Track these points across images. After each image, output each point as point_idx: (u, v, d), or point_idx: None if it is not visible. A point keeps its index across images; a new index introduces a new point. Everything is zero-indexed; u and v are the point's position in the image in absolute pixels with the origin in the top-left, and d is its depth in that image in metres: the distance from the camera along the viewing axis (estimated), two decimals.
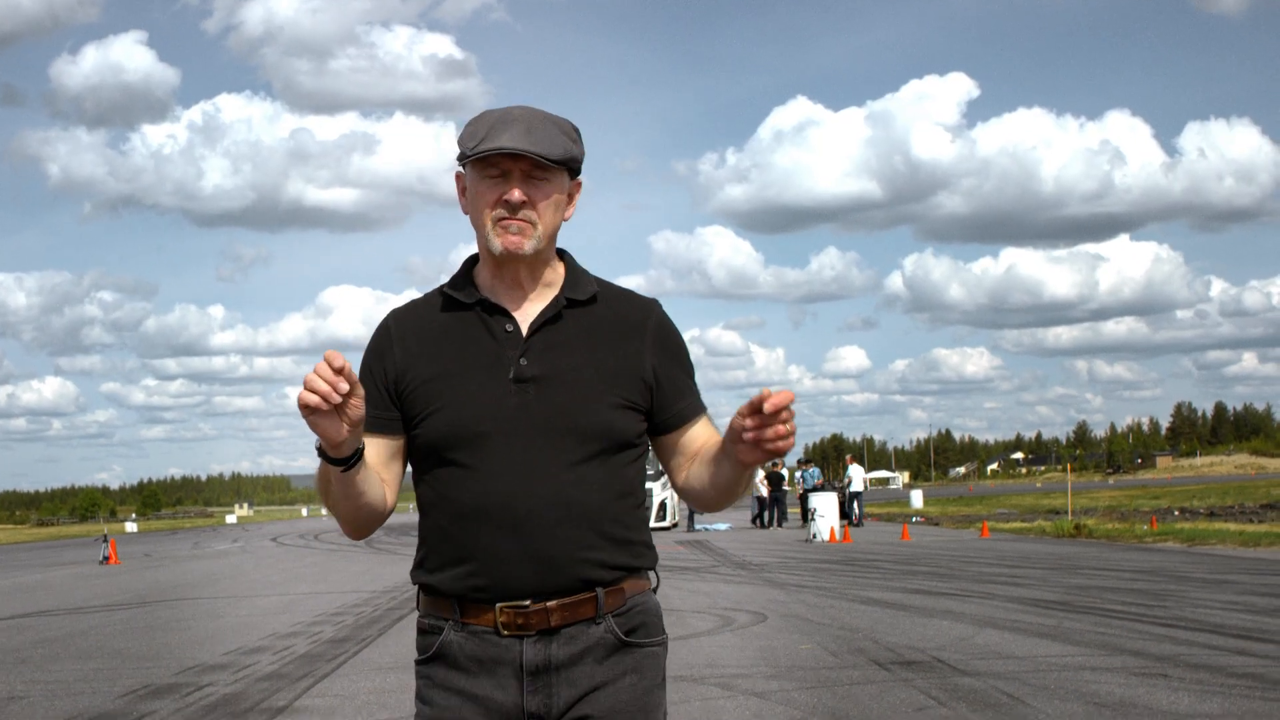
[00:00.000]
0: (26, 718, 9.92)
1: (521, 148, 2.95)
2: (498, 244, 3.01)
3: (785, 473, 49.41)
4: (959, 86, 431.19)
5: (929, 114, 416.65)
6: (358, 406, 2.81)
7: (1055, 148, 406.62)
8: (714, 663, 11.37)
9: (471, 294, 3.13)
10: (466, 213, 3.14)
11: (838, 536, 33.17)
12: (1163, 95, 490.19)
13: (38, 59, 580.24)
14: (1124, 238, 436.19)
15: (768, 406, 2.76)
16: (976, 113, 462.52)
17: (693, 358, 3.28)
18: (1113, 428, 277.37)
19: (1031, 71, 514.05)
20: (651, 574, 3.18)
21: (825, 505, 34.39)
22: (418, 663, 3.13)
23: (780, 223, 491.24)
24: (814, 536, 33.74)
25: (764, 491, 46.76)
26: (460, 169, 3.13)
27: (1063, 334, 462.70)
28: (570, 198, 3.14)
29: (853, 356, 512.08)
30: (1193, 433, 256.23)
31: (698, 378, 3.26)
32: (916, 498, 67.99)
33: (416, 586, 3.14)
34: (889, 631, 13.19)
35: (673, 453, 3.18)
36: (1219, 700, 8.80)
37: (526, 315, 3.09)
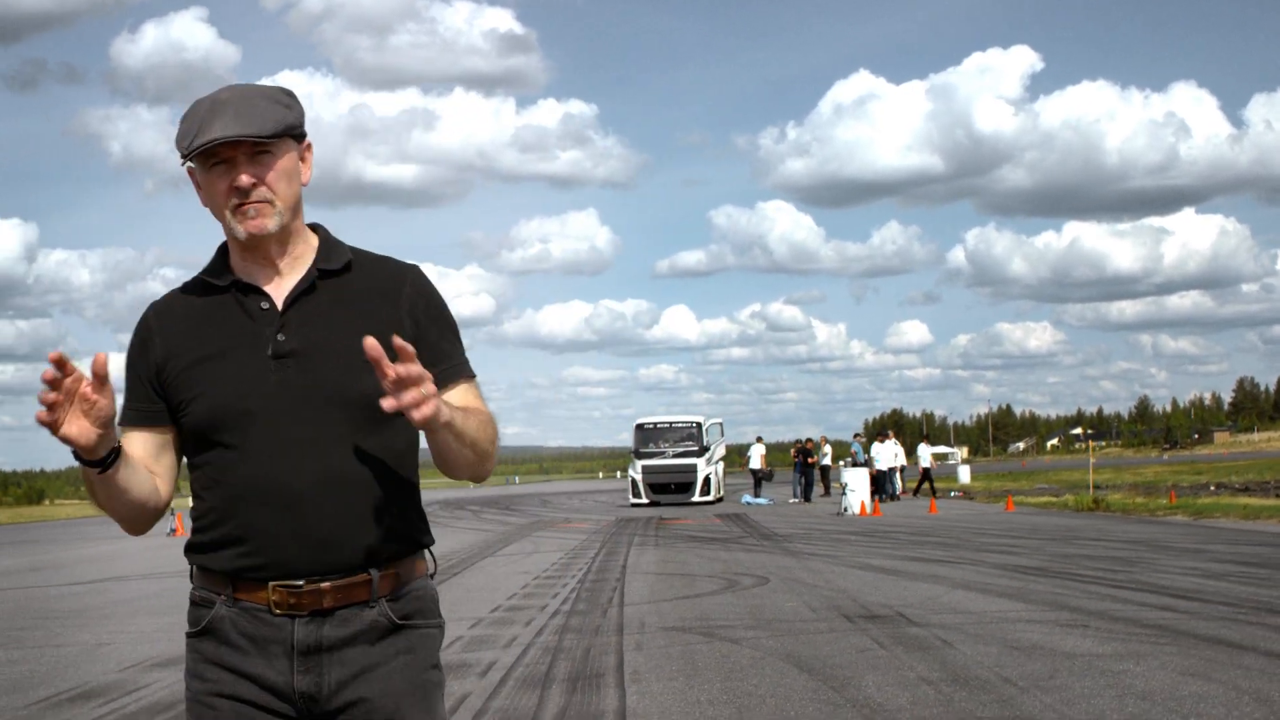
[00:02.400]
0: (113, 660, 11.65)
1: (233, 134, 2.92)
2: (240, 230, 3.00)
3: (827, 449, 50.80)
4: (1022, 59, 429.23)
5: (992, 87, 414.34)
6: (103, 406, 2.79)
7: (1119, 120, 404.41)
8: (705, 617, 13.04)
9: (225, 276, 3.10)
10: (205, 206, 3.10)
11: (868, 510, 34.74)
12: (1229, 66, 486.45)
13: (98, 37, 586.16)
14: (1189, 211, 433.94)
15: (400, 369, 2.72)
16: (1040, 85, 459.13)
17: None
18: (1175, 403, 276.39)
19: (1096, 43, 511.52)
20: (428, 555, 3.20)
21: (856, 480, 35.90)
22: (189, 635, 3.11)
23: (841, 197, 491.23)
24: (845, 510, 35.32)
25: (757, 464, 48.39)
26: (190, 165, 3.07)
27: (1126, 308, 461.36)
28: (304, 160, 3.12)
29: (914, 331, 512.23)
30: (1255, 408, 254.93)
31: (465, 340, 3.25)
32: (964, 473, 69.03)
33: (190, 564, 3.14)
34: (870, 592, 14.82)
35: None
36: (1115, 644, 10.38)
37: (281, 291, 3.07)
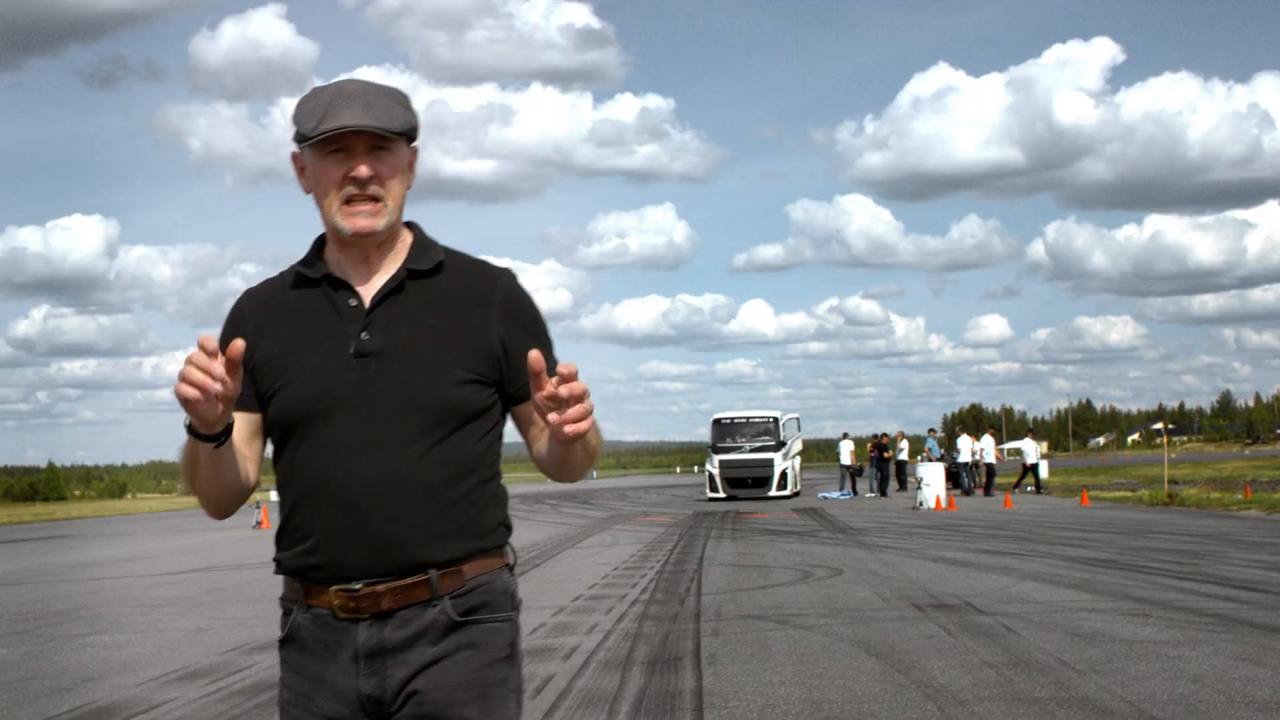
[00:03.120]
0: (214, 644, 12.25)
1: (364, 124, 2.94)
2: (347, 227, 3.01)
3: (904, 444, 50.96)
4: (1103, 51, 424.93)
5: (1072, 79, 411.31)
6: (234, 389, 2.82)
7: (1202, 112, 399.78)
8: (780, 605, 13.52)
9: (319, 269, 3.11)
10: (308, 192, 3.11)
11: (943, 504, 35.07)
12: None
13: (178, 35, 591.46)
14: (1272, 203, 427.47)
15: (563, 390, 2.75)
16: (1121, 77, 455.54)
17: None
18: (1257, 397, 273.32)
19: (1178, 34, 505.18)
20: (507, 549, 3.18)
21: (931, 475, 36.22)
22: (279, 643, 3.16)
23: (920, 190, 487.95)
24: (920, 505, 35.66)
25: (848, 460, 48.50)
26: (296, 150, 3.10)
27: (1209, 302, 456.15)
28: (410, 165, 3.14)
29: (994, 325, 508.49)
30: None
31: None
32: (1043, 468, 68.83)
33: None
34: (940, 582, 15.25)
35: (527, 423, 3.15)
36: (1173, 632, 10.79)
37: (371, 288, 3.08)
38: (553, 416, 2.76)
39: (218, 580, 19.93)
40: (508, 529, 3.17)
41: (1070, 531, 24.17)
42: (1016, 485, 47.06)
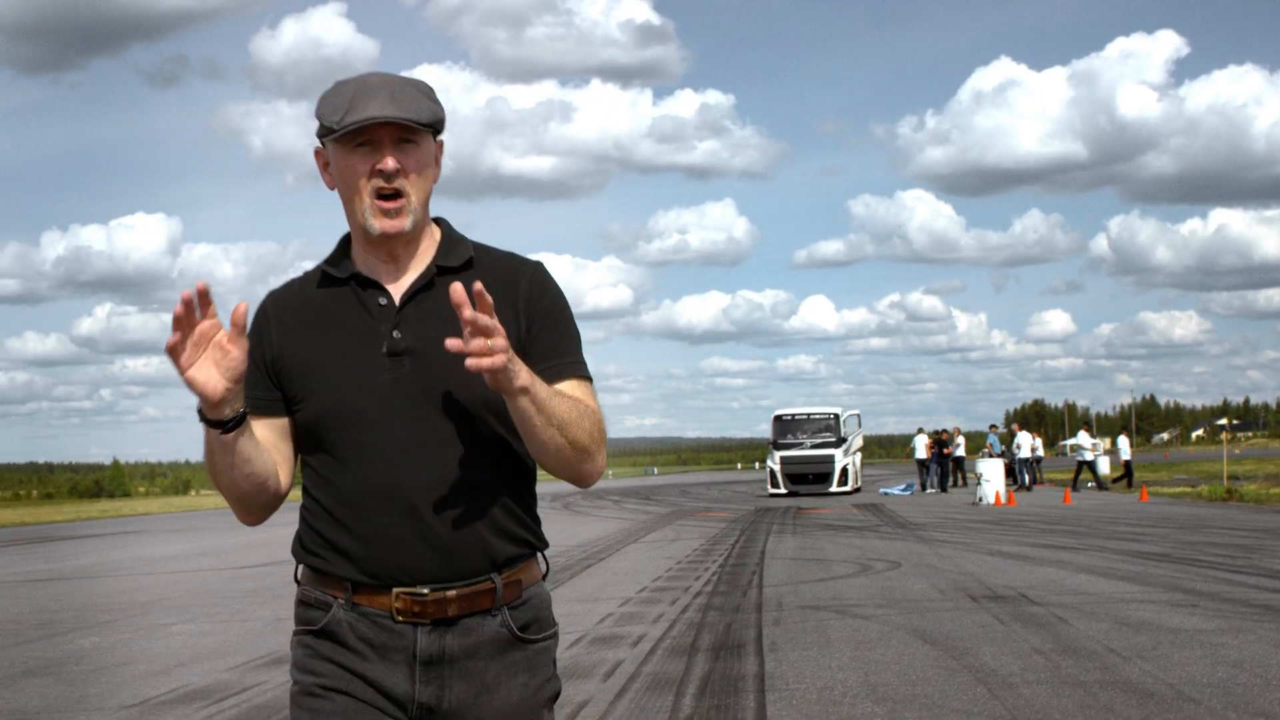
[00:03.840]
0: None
1: (391, 115, 2.88)
2: (375, 226, 2.94)
3: (960, 440, 51.05)
4: (1167, 44, 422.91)
5: (1136, 72, 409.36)
6: (235, 358, 2.74)
7: (1267, 105, 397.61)
8: (839, 596, 13.98)
9: (345, 269, 3.04)
10: (332, 188, 3.04)
11: (1002, 500, 35.37)
12: None
13: (239, 34, 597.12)
14: None
15: (466, 313, 2.68)
16: (1185, 70, 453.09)
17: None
18: None
19: (1243, 27, 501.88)
20: (541, 559, 3.13)
21: (991, 471, 36.49)
22: (299, 633, 3.03)
23: (981, 185, 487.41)
24: (980, 500, 35.96)
25: (923, 455, 48.55)
26: (319, 144, 3.04)
27: (1275, 296, 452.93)
28: (436, 159, 3.07)
29: (1057, 320, 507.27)
30: None
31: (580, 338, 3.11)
32: (1103, 464, 68.69)
33: (299, 564, 3.06)
34: (996, 575, 15.66)
35: None
36: (1219, 621, 11.19)
37: (400, 287, 3.02)
38: (451, 341, 2.69)
39: (290, 574, 20.46)
40: (543, 535, 3.14)
41: (1127, 526, 24.49)
42: (1074, 482, 47.12)
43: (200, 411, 2.81)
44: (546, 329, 3.03)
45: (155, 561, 25.54)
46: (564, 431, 2.88)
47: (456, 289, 2.68)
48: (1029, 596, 13.33)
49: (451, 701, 2.94)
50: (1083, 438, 48.04)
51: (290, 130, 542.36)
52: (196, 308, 2.71)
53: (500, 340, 2.67)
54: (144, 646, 12.37)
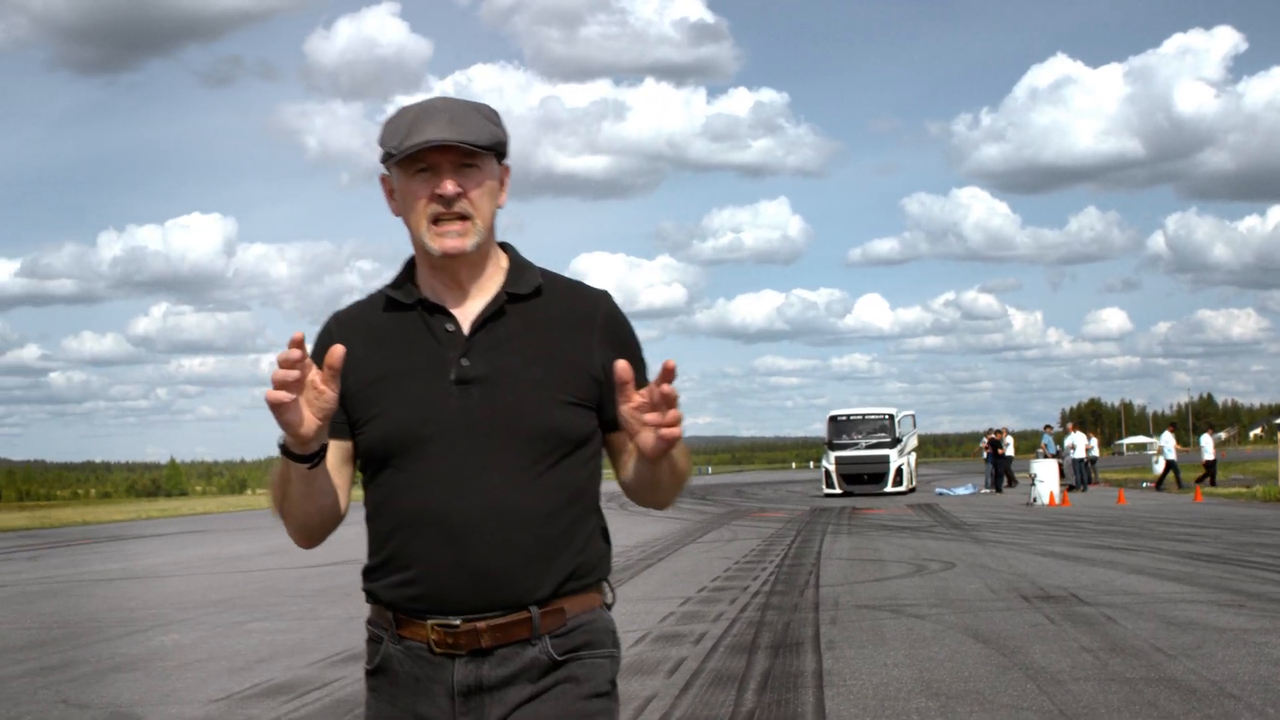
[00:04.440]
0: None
1: (449, 138, 2.87)
2: (436, 247, 2.92)
3: (1008, 440, 50.93)
4: (1225, 40, 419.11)
5: (1193, 68, 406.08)
6: (329, 398, 2.75)
7: None
8: (894, 596, 14.36)
9: (411, 293, 3.02)
10: (398, 214, 3.04)
11: (1056, 500, 35.61)
12: None
13: (293, 34, 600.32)
14: None
15: (663, 390, 2.70)
16: (1243, 66, 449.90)
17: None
18: None
19: None
20: (605, 587, 3.08)
21: (1045, 471, 36.73)
22: (366, 672, 3.06)
23: (1037, 183, 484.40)
24: (1034, 501, 36.22)
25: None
26: (384, 172, 3.05)
27: None
28: (501, 183, 3.05)
29: (1113, 319, 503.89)
30: None
31: None
32: (1159, 465, 68.61)
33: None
34: (1048, 575, 16.00)
35: (619, 450, 3.07)
36: (1265, 621, 11.52)
37: (468, 314, 2.99)
38: (651, 416, 2.72)
39: (358, 574, 20.96)
40: (609, 562, 3.10)
41: (1180, 527, 24.73)
42: (1159, 484, 46.60)
43: (284, 446, 2.82)
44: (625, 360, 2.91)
45: (223, 561, 26.09)
46: (677, 475, 3.00)
47: (624, 367, 2.71)
48: (1079, 596, 13.66)
49: None
50: (1168, 439, 47.98)
51: (344, 130, 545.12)
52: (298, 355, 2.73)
53: (679, 410, 2.73)
54: (223, 643, 12.87)
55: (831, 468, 47.90)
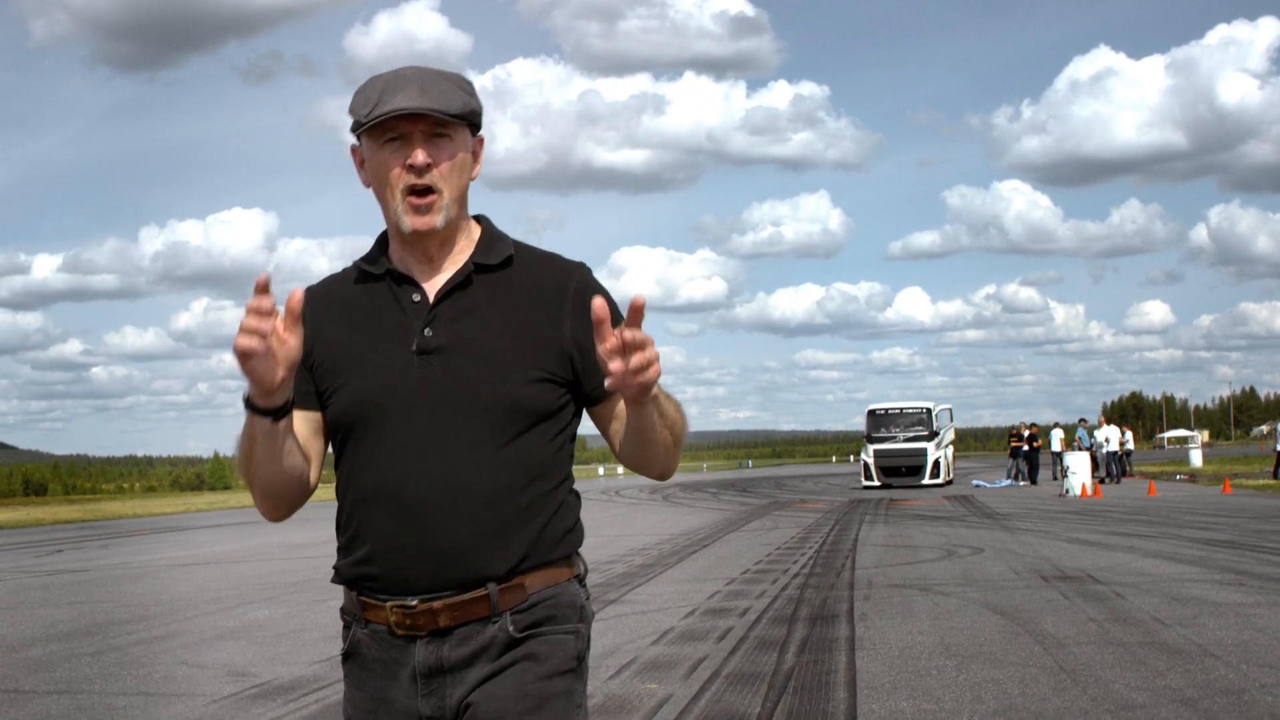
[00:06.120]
0: None
1: (418, 106, 2.80)
2: (407, 224, 2.87)
3: (1027, 432, 51.61)
4: (1269, 31, 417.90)
5: (1236, 60, 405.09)
6: (293, 347, 2.67)
7: None
8: (924, 577, 15.57)
9: (382, 265, 2.98)
10: (368, 186, 2.98)
11: (1088, 492, 36.67)
12: None
13: (333, 30, 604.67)
14: None
15: (627, 334, 2.55)
16: None
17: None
18: None
19: None
20: (575, 560, 3.00)
21: (1077, 463, 37.75)
22: (341, 658, 3.04)
23: (1079, 175, 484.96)
24: (1066, 492, 37.30)
25: (1057, 447, 49.21)
26: (355, 142, 2.98)
27: None
28: (475, 155, 2.98)
29: (1156, 311, 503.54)
30: None
31: None
32: (1196, 457, 69.23)
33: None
34: (1068, 559, 17.20)
35: (607, 423, 2.99)
36: (1260, 597, 12.70)
37: (436, 284, 2.94)
38: (615, 364, 2.57)
39: None
40: (578, 537, 3.01)
41: (1203, 516, 25.85)
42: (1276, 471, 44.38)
43: (248, 400, 2.76)
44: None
45: (288, 548, 27.09)
46: (673, 430, 2.89)
47: (599, 305, 2.58)
48: (1094, 577, 14.84)
49: (451, 709, 2.88)
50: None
51: None
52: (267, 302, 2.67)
53: (654, 350, 2.61)
54: (311, 618, 14.09)
55: (870, 460, 49.04)
